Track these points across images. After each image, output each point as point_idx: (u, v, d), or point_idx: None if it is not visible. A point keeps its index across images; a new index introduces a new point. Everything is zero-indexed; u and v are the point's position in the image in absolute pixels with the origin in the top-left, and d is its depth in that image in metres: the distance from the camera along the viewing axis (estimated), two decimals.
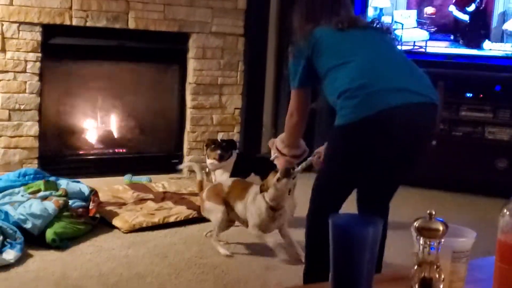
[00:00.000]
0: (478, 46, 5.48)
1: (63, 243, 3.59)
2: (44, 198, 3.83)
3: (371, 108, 2.63)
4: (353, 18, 2.98)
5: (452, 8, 5.54)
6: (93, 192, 4.12)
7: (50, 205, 3.71)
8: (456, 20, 5.58)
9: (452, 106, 5.54)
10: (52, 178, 4.23)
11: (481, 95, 5.48)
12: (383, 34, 3.01)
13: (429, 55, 5.63)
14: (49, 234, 3.57)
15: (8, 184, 4.10)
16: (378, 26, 3.02)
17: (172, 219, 4.12)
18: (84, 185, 4.21)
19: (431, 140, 2.91)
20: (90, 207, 3.99)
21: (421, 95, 2.73)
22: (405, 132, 2.72)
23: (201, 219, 4.16)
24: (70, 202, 3.91)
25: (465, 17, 5.51)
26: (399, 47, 5.55)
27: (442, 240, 1.30)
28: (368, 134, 2.69)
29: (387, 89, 2.68)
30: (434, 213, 1.31)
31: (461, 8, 5.50)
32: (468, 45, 5.55)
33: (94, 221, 3.95)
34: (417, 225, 1.31)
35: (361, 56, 2.78)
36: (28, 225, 3.56)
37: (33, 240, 3.56)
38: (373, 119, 2.63)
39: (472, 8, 5.46)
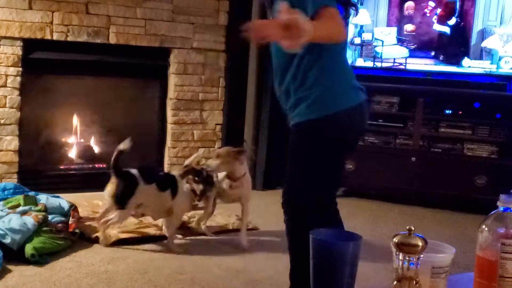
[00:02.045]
0: (457, 64, 5.53)
1: (42, 258, 3.56)
2: (24, 213, 3.80)
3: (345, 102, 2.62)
4: None
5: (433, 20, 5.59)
6: (73, 207, 4.10)
7: (30, 220, 3.68)
8: (436, 37, 5.64)
9: (431, 123, 5.58)
10: (32, 193, 4.20)
11: (460, 112, 5.53)
12: None
13: (409, 72, 5.69)
14: (28, 249, 3.53)
15: None
16: None
17: (152, 232, 4.11)
18: (63, 200, 4.19)
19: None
20: (70, 222, 3.97)
21: (364, 91, 2.72)
22: (361, 128, 2.78)
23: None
24: (50, 217, 3.88)
25: (446, 29, 5.56)
26: (378, 64, 5.62)
27: (421, 255, 1.31)
28: (342, 127, 2.64)
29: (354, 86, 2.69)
30: (413, 228, 1.32)
31: (443, 22, 5.55)
32: (447, 62, 5.60)
33: (74, 237, 3.93)
34: (396, 240, 1.32)
35: None
36: (7, 240, 3.53)
37: (12, 255, 3.52)
38: (354, 109, 2.64)
39: (453, 21, 5.52)
